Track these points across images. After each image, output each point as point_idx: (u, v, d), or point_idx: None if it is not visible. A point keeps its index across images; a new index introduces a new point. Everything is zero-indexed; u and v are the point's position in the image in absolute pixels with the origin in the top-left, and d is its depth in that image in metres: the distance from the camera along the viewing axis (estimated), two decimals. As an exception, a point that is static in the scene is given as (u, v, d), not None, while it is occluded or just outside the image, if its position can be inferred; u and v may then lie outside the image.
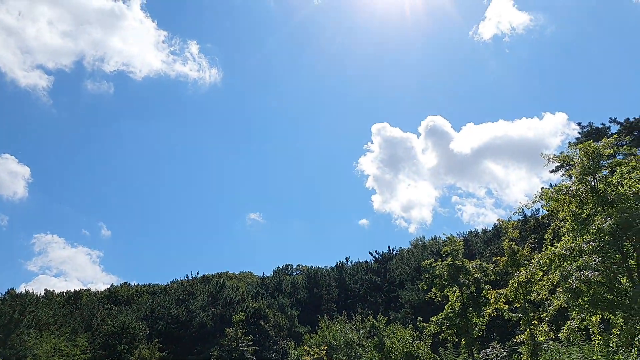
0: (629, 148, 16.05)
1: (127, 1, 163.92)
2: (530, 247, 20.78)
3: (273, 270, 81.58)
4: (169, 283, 68.26)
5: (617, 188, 13.67)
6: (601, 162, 14.50)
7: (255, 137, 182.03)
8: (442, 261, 22.26)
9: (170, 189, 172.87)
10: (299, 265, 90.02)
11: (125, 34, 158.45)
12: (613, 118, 30.96)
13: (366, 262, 70.01)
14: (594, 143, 13.89)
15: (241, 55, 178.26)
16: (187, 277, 63.19)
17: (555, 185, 16.11)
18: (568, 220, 14.09)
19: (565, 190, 14.04)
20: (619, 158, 16.03)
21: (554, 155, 14.95)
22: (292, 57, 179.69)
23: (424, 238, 74.73)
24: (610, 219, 11.97)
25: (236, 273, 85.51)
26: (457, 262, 21.49)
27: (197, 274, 64.91)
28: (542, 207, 15.63)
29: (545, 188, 16.07)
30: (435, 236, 69.20)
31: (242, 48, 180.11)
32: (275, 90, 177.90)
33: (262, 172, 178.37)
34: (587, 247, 12.53)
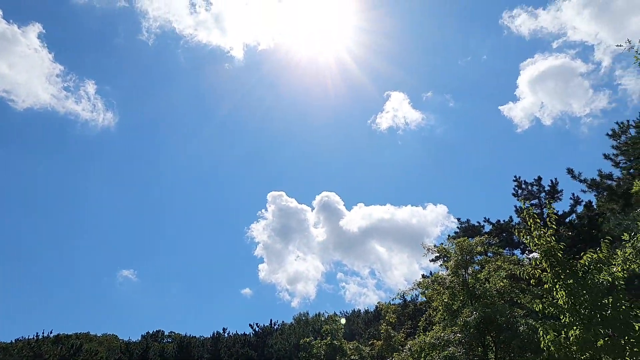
0: (497, 248, 17.92)
1: (23, 27, 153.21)
2: (406, 333, 21.61)
3: (141, 335, 74.60)
4: (13, 341, 59.14)
5: (484, 284, 15.03)
6: (474, 257, 15.98)
7: (140, 187, 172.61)
8: (322, 340, 22.17)
9: (33, 229, 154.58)
10: (171, 332, 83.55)
11: (14, 60, 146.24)
12: (487, 218, 34.64)
13: (245, 334, 67.14)
14: (469, 240, 15.35)
15: (141, 104, 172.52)
16: (36, 336, 55.27)
17: (432, 275, 17.29)
18: (440, 310, 15.05)
19: (440, 280, 15.10)
20: (489, 256, 17.83)
21: (434, 245, 16.19)
22: (195, 115, 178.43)
23: (307, 314, 74.22)
24: (476, 313, 13.01)
25: (98, 335, 76.83)
26: (335, 342, 21.54)
27: (51, 332, 57.20)
28: (420, 295, 16.55)
29: (426, 277, 17.18)
30: (319, 312, 69.13)
31: (144, 97, 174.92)
32: (172, 145, 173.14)
33: (143, 226, 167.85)
34: (454, 337, 13.38)
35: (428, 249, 16.14)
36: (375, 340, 21.35)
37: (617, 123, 39.25)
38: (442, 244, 17.24)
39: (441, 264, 19.80)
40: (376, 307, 56.68)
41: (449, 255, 16.04)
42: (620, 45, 9.92)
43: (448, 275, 15.16)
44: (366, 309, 65.09)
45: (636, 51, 9.58)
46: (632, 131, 32.92)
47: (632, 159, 31.64)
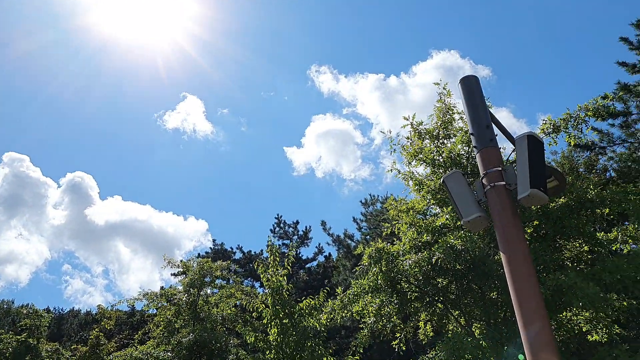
0: (238, 276, 18.57)
1: None
2: (120, 343, 20.22)
3: None
4: None
5: (212, 308, 15.28)
6: (214, 280, 16.14)
7: None
8: (16, 335, 18.99)
9: None
10: None
11: None
12: (240, 246, 36.05)
13: None
14: (210, 261, 15.50)
15: None
16: None
17: (170, 287, 16.81)
18: (161, 325, 14.61)
19: (169, 295, 14.74)
20: (230, 283, 18.27)
21: (175, 259, 15.84)
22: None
23: (12, 302, 63.33)
24: (192, 335, 13.03)
25: None
26: (31, 340, 18.70)
27: None
28: (144, 307, 15.80)
29: (163, 289, 16.52)
30: (28, 304, 59.64)
31: None
32: None
33: None
34: (163, 356, 13.05)
35: (169, 262, 15.73)
36: (79, 346, 19.31)
37: (370, 195, 45.87)
38: (189, 259, 17.04)
39: (180, 280, 19.37)
40: (97, 310, 52.02)
41: (188, 273, 15.90)
42: (383, 133, 11.81)
43: (180, 292, 14.95)
44: (88, 310, 59.11)
45: (391, 141, 11.54)
46: (378, 205, 39.14)
47: (371, 227, 37.40)
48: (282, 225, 36.82)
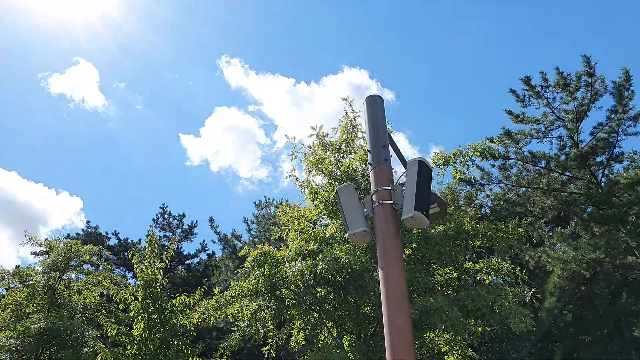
0: (109, 263, 17.33)
1: None
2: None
3: None
4: None
5: (74, 294, 14.06)
6: (81, 264, 14.87)
7: None
8: None
9: None
10: None
11: None
12: (116, 231, 33.74)
13: None
14: (80, 244, 14.29)
15: None
16: None
17: (28, 267, 15.20)
18: (8, 309, 13.11)
19: (25, 276, 13.31)
20: (101, 269, 16.97)
21: (38, 237, 14.37)
22: None
23: None
24: (44, 322, 11.87)
25: None
26: None
27: None
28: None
29: (20, 268, 14.88)
30: None
31: None
32: None
33: None
34: (6, 342, 11.71)
35: (31, 239, 14.21)
36: None
37: (265, 197, 45.71)
38: (55, 239, 15.53)
39: (41, 261, 17.63)
40: None
41: (52, 253, 14.49)
42: (287, 138, 11.84)
43: (38, 273, 13.56)
44: None
45: (294, 147, 11.63)
46: (272, 209, 39.17)
47: (261, 230, 37.24)
48: (166, 216, 35.24)
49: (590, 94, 24.19)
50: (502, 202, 25.83)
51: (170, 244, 12.27)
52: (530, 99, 25.72)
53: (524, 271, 11.09)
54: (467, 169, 10.86)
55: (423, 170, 4.48)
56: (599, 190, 23.16)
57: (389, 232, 4.28)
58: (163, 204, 35.57)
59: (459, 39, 78.10)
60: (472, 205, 26.58)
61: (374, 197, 4.52)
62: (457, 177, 10.99)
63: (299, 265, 9.96)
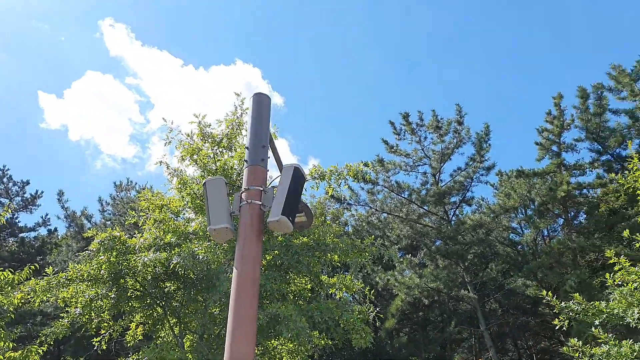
0: None
1: None
2: None
3: None
4: None
5: None
6: None
7: None
8: None
9: None
10: None
11: None
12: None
13: None
14: None
15: None
16: None
17: None
18: None
19: None
20: None
21: None
22: None
23: None
24: None
25: None
26: None
27: None
28: None
29: None
30: None
31: None
32: None
33: None
34: None
35: None
36: None
37: (127, 179, 43.00)
38: None
39: None
40: None
41: None
42: (165, 121, 11.15)
43: None
44: None
45: (170, 132, 11.03)
46: (133, 193, 36.71)
47: (117, 213, 34.65)
48: (5, 180, 31.13)
49: (456, 140, 26.98)
50: (364, 224, 27.41)
51: (3, 211, 10.79)
52: (406, 133, 27.93)
53: (372, 291, 11.78)
54: (339, 186, 11.28)
55: (297, 177, 4.52)
56: (449, 227, 25.77)
57: (252, 233, 4.23)
58: (4, 166, 31.40)
59: (361, 60, 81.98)
60: (338, 221, 27.76)
61: (243, 195, 4.44)
62: (330, 192, 11.35)
63: (151, 256, 9.40)
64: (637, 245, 8.25)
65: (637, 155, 8.59)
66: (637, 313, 7.57)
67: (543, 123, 24.27)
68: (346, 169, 10.90)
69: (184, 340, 10.19)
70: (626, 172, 8.76)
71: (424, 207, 26.97)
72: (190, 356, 8.50)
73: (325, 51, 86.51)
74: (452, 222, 26.64)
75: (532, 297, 24.63)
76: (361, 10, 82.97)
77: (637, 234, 8.12)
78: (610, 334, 7.83)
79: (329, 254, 10.60)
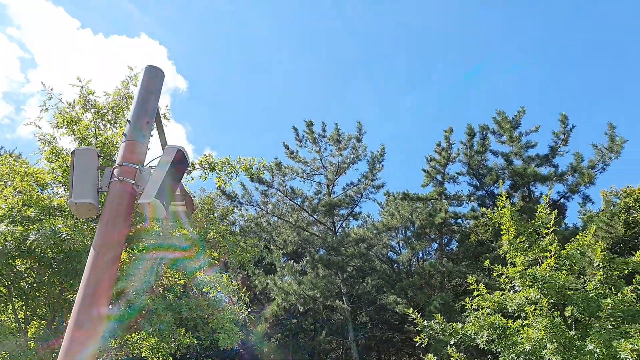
0: None
1: None
2: None
3: None
4: None
5: None
6: None
7: None
8: None
9: None
10: None
11: None
12: None
13: None
14: None
15: None
16: None
17: None
18: None
19: None
20: None
21: None
22: None
23: None
24: None
25: None
26: None
27: None
28: None
29: None
30: None
31: None
32: None
33: None
34: None
35: None
36: None
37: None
38: None
39: None
40: None
41: None
42: (44, 85, 9.93)
43: None
44: None
45: (49, 98, 9.88)
46: None
47: None
48: None
49: (353, 156, 27.85)
50: (253, 225, 27.09)
51: None
52: (307, 142, 28.26)
53: (248, 293, 11.59)
54: (230, 179, 10.94)
55: (179, 161, 4.23)
56: (334, 238, 26.41)
57: (118, 214, 3.85)
58: None
59: (278, 62, 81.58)
60: (226, 219, 27.14)
61: (115, 172, 4.04)
62: (219, 185, 10.96)
63: (3, 227, 8.31)
64: (495, 274, 9.02)
65: (506, 194, 9.44)
66: (486, 336, 8.25)
67: (432, 153, 26.01)
68: (239, 163, 10.60)
69: (29, 327, 9.12)
70: (496, 208, 9.56)
71: (314, 216, 27.38)
72: (32, 344, 7.61)
73: (241, 45, 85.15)
74: (338, 234, 27.37)
75: (400, 314, 26.04)
76: (280, 7, 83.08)
77: (496, 265, 8.87)
78: (462, 354, 8.44)
79: (208, 250, 10.22)
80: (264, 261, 26.18)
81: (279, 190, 26.77)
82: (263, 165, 11.49)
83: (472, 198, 25.48)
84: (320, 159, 28.04)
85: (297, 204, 27.28)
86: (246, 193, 25.76)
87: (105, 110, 10.03)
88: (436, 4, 72.45)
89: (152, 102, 4.58)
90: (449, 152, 25.20)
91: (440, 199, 24.89)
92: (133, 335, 10.08)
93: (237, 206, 26.20)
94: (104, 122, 10.08)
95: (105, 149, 9.92)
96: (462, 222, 26.88)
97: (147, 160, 4.43)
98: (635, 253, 8.25)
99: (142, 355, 10.54)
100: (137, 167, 4.12)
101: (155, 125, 4.89)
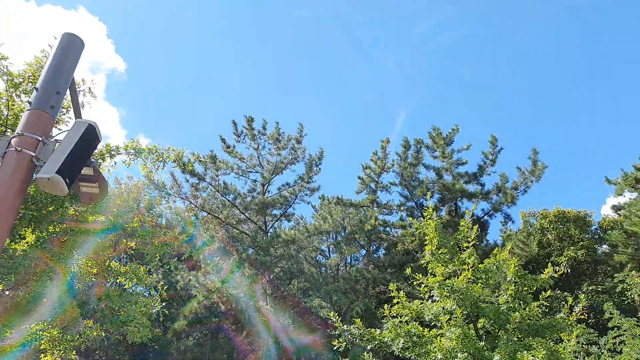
0: None
1: None
2: None
3: None
4: None
5: None
6: None
7: None
8: None
9: None
10: None
11: None
12: None
13: None
14: None
15: None
16: None
17: None
18: None
19: None
20: None
21: None
22: None
23: None
24: None
25: None
26: None
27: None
28: None
29: None
30: None
31: None
32: None
33: None
34: None
35: None
36: None
37: None
38: None
39: None
40: None
41: None
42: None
43: None
44: None
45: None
46: None
47: None
48: None
49: (291, 157, 27.71)
50: (179, 218, 26.23)
51: None
52: (246, 137, 27.81)
53: (166, 287, 11.11)
54: (157, 169, 10.44)
55: (89, 137, 3.89)
56: (264, 237, 26.12)
57: (9, 187, 3.46)
58: None
59: (225, 52, 79.82)
60: (151, 211, 26.07)
61: (13, 141, 3.65)
62: (143, 172, 10.42)
63: None
64: (415, 283, 9.21)
65: (434, 207, 9.70)
66: (402, 343, 8.39)
67: (369, 161, 26.46)
68: (167, 152, 10.13)
69: None
70: (422, 219, 9.78)
71: (246, 214, 26.95)
72: None
73: (187, 29, 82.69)
74: (269, 234, 27.10)
75: (323, 318, 26.17)
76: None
77: (417, 274, 9.06)
78: (378, 360, 8.52)
79: (125, 240, 9.67)
80: (193, 258, 25.40)
81: (210, 185, 26.11)
82: (197, 158, 11.08)
83: (402, 208, 26.16)
84: (258, 157, 27.69)
85: (229, 200, 26.73)
86: (175, 184, 24.91)
87: (21, 80, 9.24)
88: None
89: (66, 72, 4.20)
90: (384, 161, 25.74)
91: (372, 207, 25.34)
92: (33, 326, 9.31)
93: (164, 197, 25.24)
94: (17, 93, 9.28)
95: (18, 122, 9.11)
96: (391, 230, 27.53)
97: (54, 133, 4.04)
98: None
99: (41, 347, 9.78)
100: (40, 138, 3.74)
101: (70, 97, 4.51)
